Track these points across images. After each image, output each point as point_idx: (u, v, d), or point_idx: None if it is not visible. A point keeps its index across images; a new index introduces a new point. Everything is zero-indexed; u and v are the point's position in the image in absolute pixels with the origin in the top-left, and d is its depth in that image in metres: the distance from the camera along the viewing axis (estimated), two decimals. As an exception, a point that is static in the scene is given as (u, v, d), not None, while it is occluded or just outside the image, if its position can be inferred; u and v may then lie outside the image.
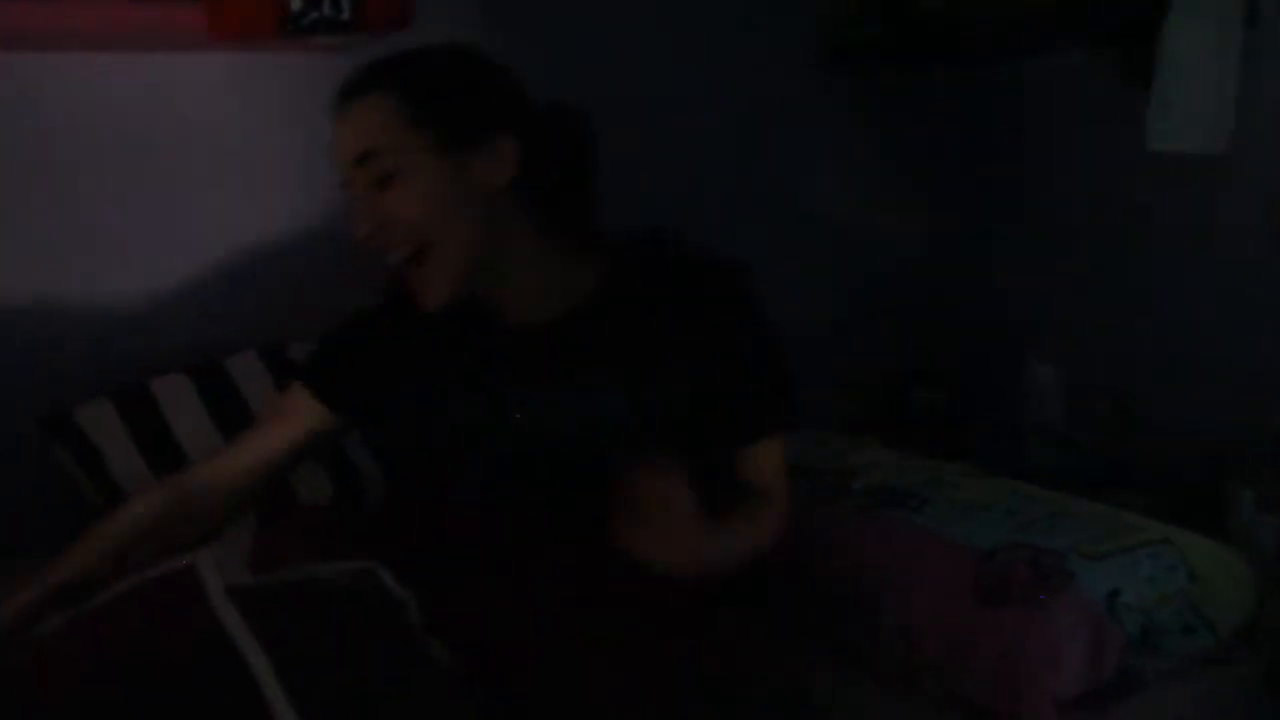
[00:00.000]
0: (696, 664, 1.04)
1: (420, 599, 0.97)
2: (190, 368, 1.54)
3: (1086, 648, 1.16)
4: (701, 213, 1.99)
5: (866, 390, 2.19)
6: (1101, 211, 2.02)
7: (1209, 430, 1.84)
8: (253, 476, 1.24)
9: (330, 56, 1.64)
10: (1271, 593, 1.35)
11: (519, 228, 1.12)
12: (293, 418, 1.25)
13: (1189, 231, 1.91)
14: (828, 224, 2.18)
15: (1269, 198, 1.79)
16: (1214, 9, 1.64)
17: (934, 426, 2.11)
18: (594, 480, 1.04)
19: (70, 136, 1.55)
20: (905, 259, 2.25)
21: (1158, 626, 1.22)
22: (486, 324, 1.18)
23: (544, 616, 1.01)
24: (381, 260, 1.11)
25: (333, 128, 1.11)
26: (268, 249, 1.70)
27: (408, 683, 0.89)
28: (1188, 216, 1.90)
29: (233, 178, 1.66)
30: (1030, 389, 1.92)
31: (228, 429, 1.48)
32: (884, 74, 2.16)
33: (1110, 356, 1.96)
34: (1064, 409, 1.93)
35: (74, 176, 1.56)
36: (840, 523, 1.44)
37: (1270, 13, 1.68)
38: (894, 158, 2.22)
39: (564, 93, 1.18)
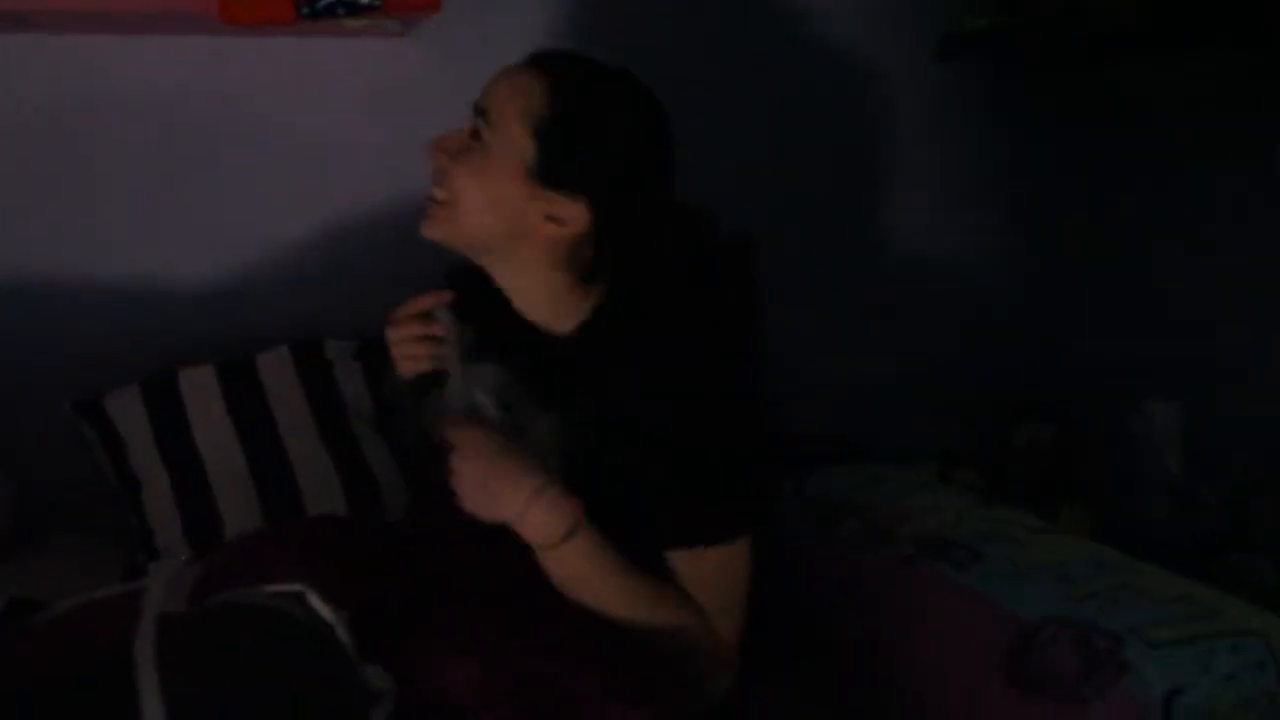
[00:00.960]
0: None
1: (361, 622, 0.93)
2: (220, 362, 1.52)
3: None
4: (794, 218, 1.87)
5: (968, 420, 1.99)
6: (1243, 233, 1.75)
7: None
8: None
9: (389, 42, 1.61)
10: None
11: (544, 263, 1.12)
12: None
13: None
14: (931, 234, 1.99)
15: None
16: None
17: (1037, 465, 1.88)
18: None
19: (122, 122, 1.55)
20: (1016, 275, 2.03)
21: (1230, 737, 1.01)
22: (521, 329, 1.17)
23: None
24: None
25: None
26: (320, 242, 1.67)
27: (306, 705, 0.86)
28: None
29: (295, 165, 1.64)
30: (1146, 430, 1.68)
31: (243, 430, 1.45)
32: (999, 71, 1.94)
33: (1243, 399, 1.69)
34: (1184, 455, 1.67)
35: (125, 164, 1.57)
36: (874, 573, 1.28)
37: None
38: (1008, 164, 2.00)
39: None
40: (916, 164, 1.97)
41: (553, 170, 1.07)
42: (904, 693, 1.13)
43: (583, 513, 1.01)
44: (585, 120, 1.08)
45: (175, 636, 0.89)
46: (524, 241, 1.11)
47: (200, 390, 1.48)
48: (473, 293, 1.17)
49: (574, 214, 1.08)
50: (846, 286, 1.96)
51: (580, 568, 1.02)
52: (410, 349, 1.16)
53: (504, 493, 1.01)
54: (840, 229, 1.94)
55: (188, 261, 1.61)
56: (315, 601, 0.92)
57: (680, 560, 1.04)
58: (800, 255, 1.88)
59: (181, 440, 1.44)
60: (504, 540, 1.03)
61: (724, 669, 1.07)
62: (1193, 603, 1.12)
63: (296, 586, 0.93)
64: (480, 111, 1.10)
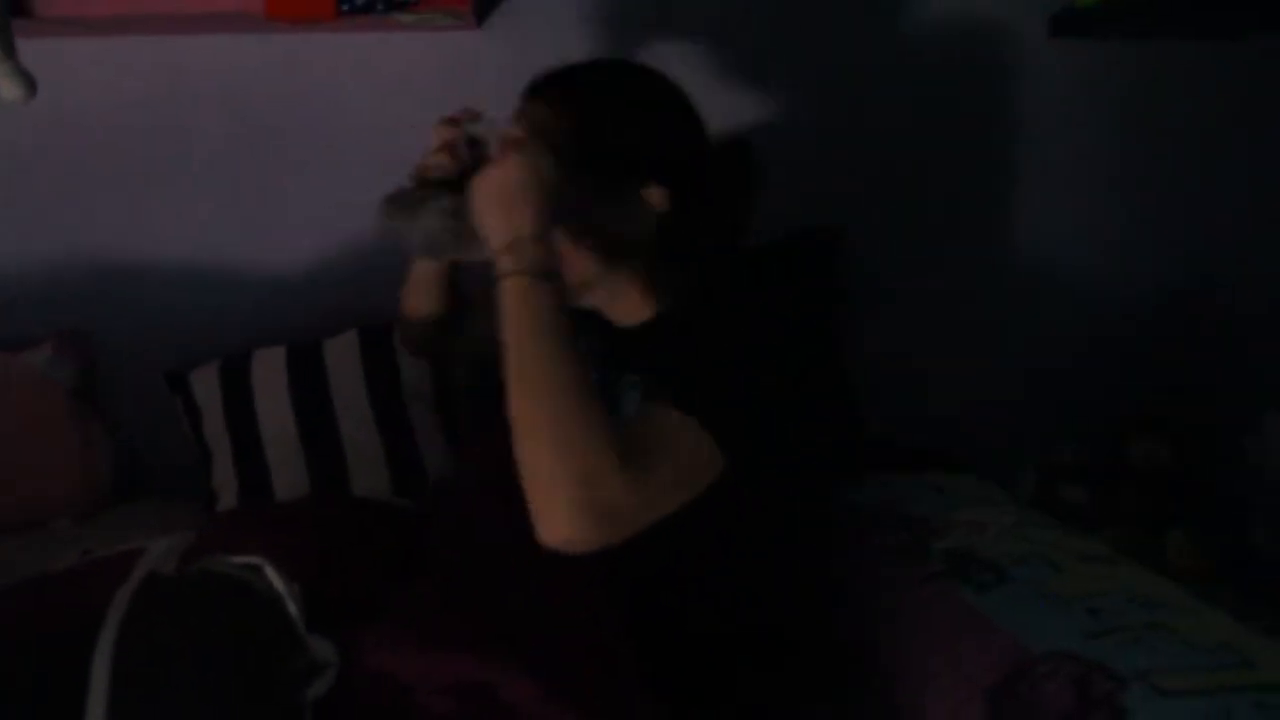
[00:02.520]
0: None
1: (319, 597, 0.97)
2: (292, 345, 1.61)
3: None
4: (894, 215, 1.78)
5: (1083, 434, 1.83)
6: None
7: None
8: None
9: (463, 35, 1.65)
10: None
11: (639, 263, 1.11)
12: None
13: None
14: (1044, 233, 1.84)
15: None
16: None
17: (1150, 484, 1.71)
18: None
19: (209, 117, 1.66)
20: (1136, 278, 1.84)
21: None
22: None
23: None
24: None
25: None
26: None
27: (246, 667, 0.89)
28: None
29: (374, 157, 1.67)
30: (1264, 451, 1.49)
31: (301, 409, 1.53)
32: (1120, 49, 1.76)
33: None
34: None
35: (219, 159, 1.67)
36: (891, 586, 1.20)
37: None
38: (1132, 154, 1.81)
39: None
40: (1029, 156, 1.82)
41: (605, 189, 1.06)
42: (888, 710, 1.05)
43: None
44: (613, 120, 1.07)
45: (144, 597, 0.96)
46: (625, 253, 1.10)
47: (269, 369, 1.57)
48: None
49: (645, 209, 1.07)
50: (952, 288, 1.84)
51: (537, 316, 0.94)
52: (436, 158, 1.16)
53: (514, 210, 0.96)
54: (944, 227, 1.82)
55: (275, 249, 1.71)
56: (270, 573, 0.97)
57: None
58: (903, 254, 1.79)
59: (245, 414, 1.54)
60: (507, 535, 1.04)
61: (584, 512, 0.89)
62: (1228, 650, 0.99)
63: (256, 559, 0.97)
64: None
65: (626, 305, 1.13)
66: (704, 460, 0.95)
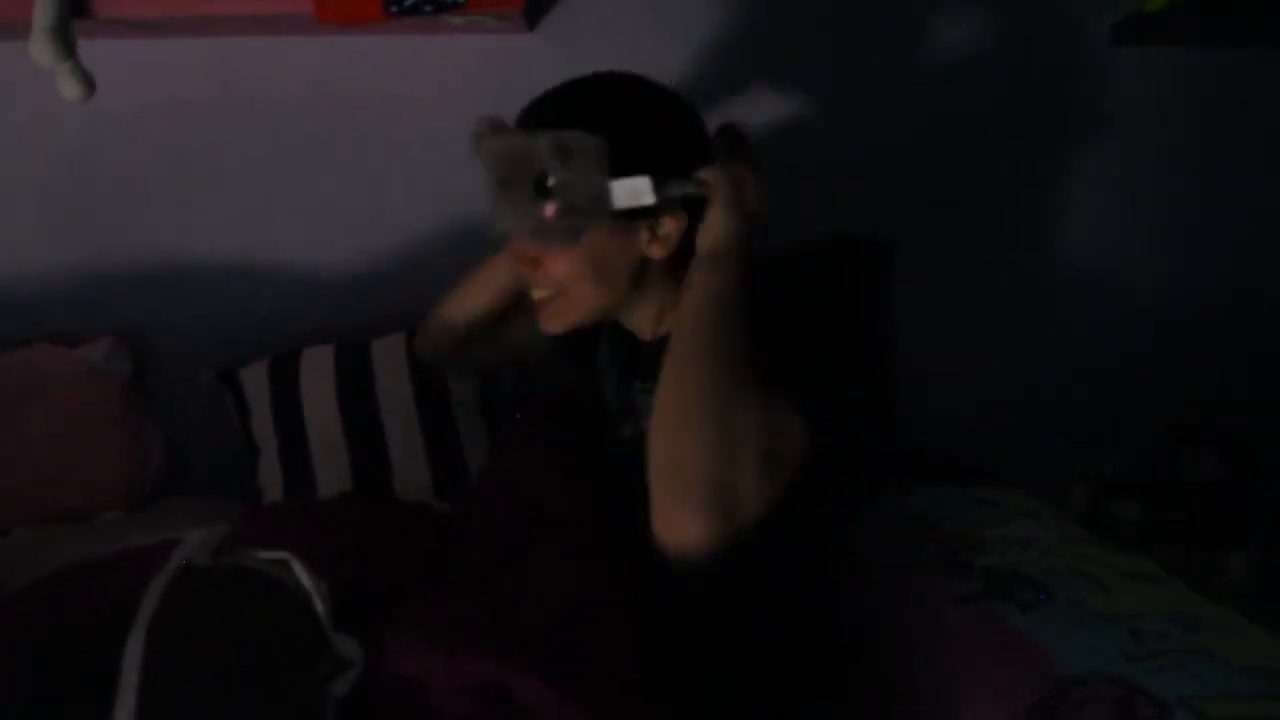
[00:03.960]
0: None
1: (347, 594, 0.97)
2: (340, 344, 1.62)
3: None
4: (948, 219, 1.75)
5: (1131, 446, 1.78)
6: None
7: None
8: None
9: (516, 38, 1.65)
10: None
11: (657, 282, 1.11)
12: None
13: None
14: (1099, 237, 1.79)
15: None
16: None
17: (1202, 497, 1.66)
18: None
19: (266, 119, 1.69)
20: (1194, 286, 1.79)
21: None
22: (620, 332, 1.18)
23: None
24: None
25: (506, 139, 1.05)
26: (443, 233, 1.74)
27: (272, 661, 0.90)
28: None
29: (424, 158, 1.71)
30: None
31: (347, 408, 1.54)
32: (1187, 55, 1.72)
33: None
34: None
35: (270, 156, 1.70)
36: (930, 602, 1.17)
37: None
38: (1196, 161, 1.77)
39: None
40: (1088, 162, 1.78)
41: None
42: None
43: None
44: (633, 131, 1.04)
45: (176, 588, 0.97)
46: (644, 276, 1.10)
47: (317, 368, 1.59)
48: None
49: (667, 224, 1.06)
50: (1002, 293, 1.81)
51: (732, 320, 0.98)
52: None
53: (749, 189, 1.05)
54: (996, 231, 1.79)
55: (323, 250, 1.73)
56: (298, 569, 0.97)
57: None
58: (955, 259, 1.77)
59: (292, 412, 1.55)
60: (530, 538, 1.04)
61: (715, 514, 0.91)
62: (1275, 678, 0.95)
63: (283, 554, 0.98)
64: None
65: (652, 318, 1.13)
66: (797, 454, 0.96)
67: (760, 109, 1.71)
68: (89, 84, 1.34)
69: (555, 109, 1.06)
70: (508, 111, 1.68)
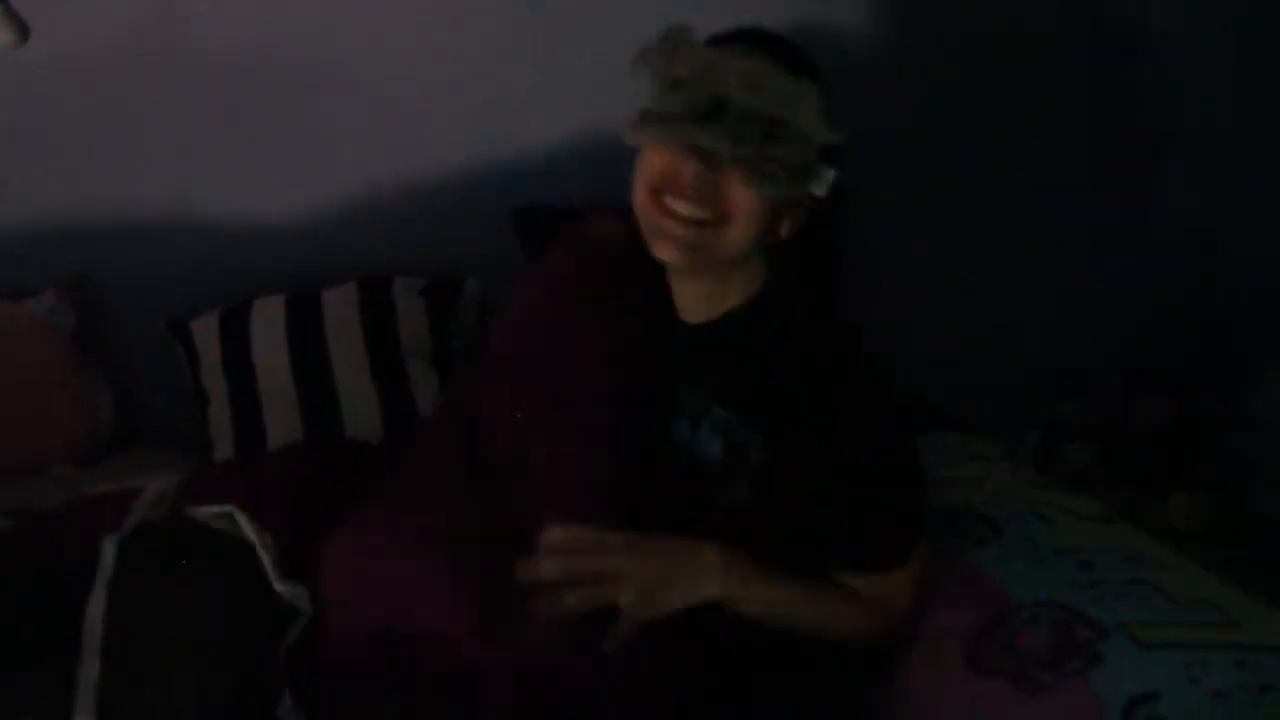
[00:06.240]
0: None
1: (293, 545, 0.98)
2: (291, 295, 1.61)
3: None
4: (899, 171, 1.75)
5: (1086, 391, 1.81)
6: None
7: None
8: None
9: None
10: None
11: (750, 258, 1.05)
12: None
13: None
14: (1040, 185, 1.80)
15: None
16: None
17: (1152, 446, 1.69)
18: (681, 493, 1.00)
19: (215, 72, 1.65)
20: (1134, 237, 1.81)
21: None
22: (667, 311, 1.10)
23: None
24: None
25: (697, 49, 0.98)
26: (396, 182, 1.72)
27: (224, 630, 0.92)
28: None
29: (371, 110, 1.69)
30: (1268, 410, 1.45)
31: (297, 357, 1.53)
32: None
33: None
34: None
35: (221, 103, 1.66)
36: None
37: None
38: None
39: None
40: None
41: (800, 184, 0.98)
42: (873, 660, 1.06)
43: (748, 564, 0.98)
44: (823, 88, 0.98)
45: (134, 544, 0.97)
46: (751, 259, 1.04)
47: (268, 318, 1.57)
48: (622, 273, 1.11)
49: (795, 215, 1.02)
50: (954, 239, 1.82)
51: (761, 603, 0.99)
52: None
53: (680, 580, 0.96)
54: (950, 177, 1.80)
55: (276, 200, 1.70)
56: (242, 521, 0.98)
57: (858, 582, 1.02)
58: (899, 215, 1.77)
59: (243, 361, 1.54)
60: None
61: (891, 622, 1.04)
62: (1213, 608, 0.97)
63: (228, 507, 0.98)
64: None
65: (709, 296, 1.07)
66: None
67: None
68: (23, 30, 1.30)
69: (794, 58, 0.99)
70: (451, 60, 1.69)
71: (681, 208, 0.97)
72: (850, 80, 1.65)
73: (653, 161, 0.99)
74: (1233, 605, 0.99)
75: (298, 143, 1.69)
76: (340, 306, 1.58)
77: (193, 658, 0.89)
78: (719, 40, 1.01)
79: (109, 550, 0.96)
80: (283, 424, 1.49)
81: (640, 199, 1.00)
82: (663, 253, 1.00)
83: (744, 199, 0.97)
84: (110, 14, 1.61)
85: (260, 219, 1.71)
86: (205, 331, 1.58)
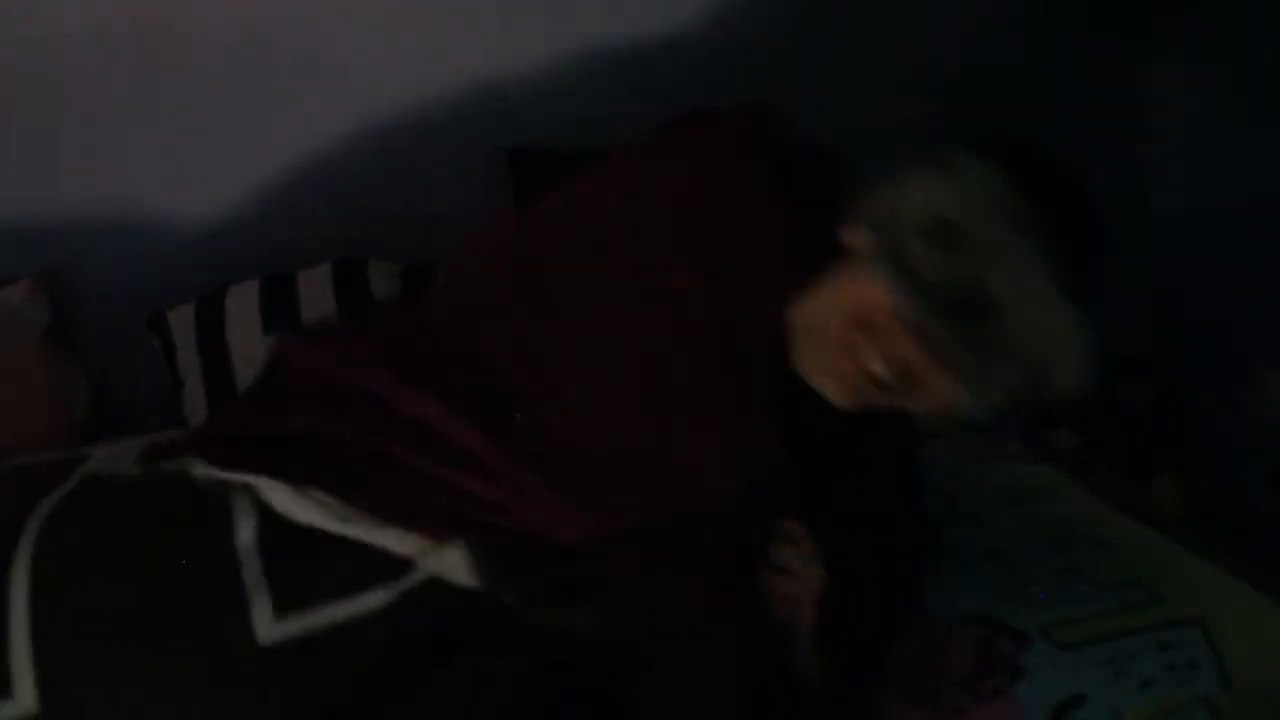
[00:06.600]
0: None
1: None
2: (265, 278, 1.61)
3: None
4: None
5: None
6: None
7: None
8: None
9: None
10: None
11: None
12: None
13: None
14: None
15: None
16: None
17: (1135, 428, 1.65)
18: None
19: (175, 51, 1.62)
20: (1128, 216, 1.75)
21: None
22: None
23: None
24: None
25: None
26: (372, 164, 1.70)
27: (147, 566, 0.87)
28: None
29: (346, 92, 1.67)
30: (1253, 400, 1.40)
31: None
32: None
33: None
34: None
35: (196, 90, 1.64)
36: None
37: None
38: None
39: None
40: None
41: None
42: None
43: None
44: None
45: (73, 499, 0.95)
46: None
47: (243, 300, 1.58)
48: None
49: None
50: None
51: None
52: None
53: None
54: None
55: (251, 185, 1.69)
56: (199, 476, 0.93)
57: None
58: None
59: (216, 340, 1.56)
60: None
61: None
62: (1136, 588, 0.97)
63: (184, 460, 0.95)
64: None
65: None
66: None
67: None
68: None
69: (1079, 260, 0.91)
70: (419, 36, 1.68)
71: (876, 366, 0.85)
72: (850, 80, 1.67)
73: (865, 295, 0.85)
74: (1157, 579, 0.98)
75: (277, 134, 1.68)
76: (315, 285, 1.59)
77: (137, 580, 0.85)
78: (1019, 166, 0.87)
79: (44, 507, 0.93)
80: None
81: (824, 317, 0.88)
82: (822, 384, 0.89)
83: (944, 390, 0.85)
84: (83, 5, 1.61)
85: (238, 210, 1.70)
86: (181, 321, 1.60)
